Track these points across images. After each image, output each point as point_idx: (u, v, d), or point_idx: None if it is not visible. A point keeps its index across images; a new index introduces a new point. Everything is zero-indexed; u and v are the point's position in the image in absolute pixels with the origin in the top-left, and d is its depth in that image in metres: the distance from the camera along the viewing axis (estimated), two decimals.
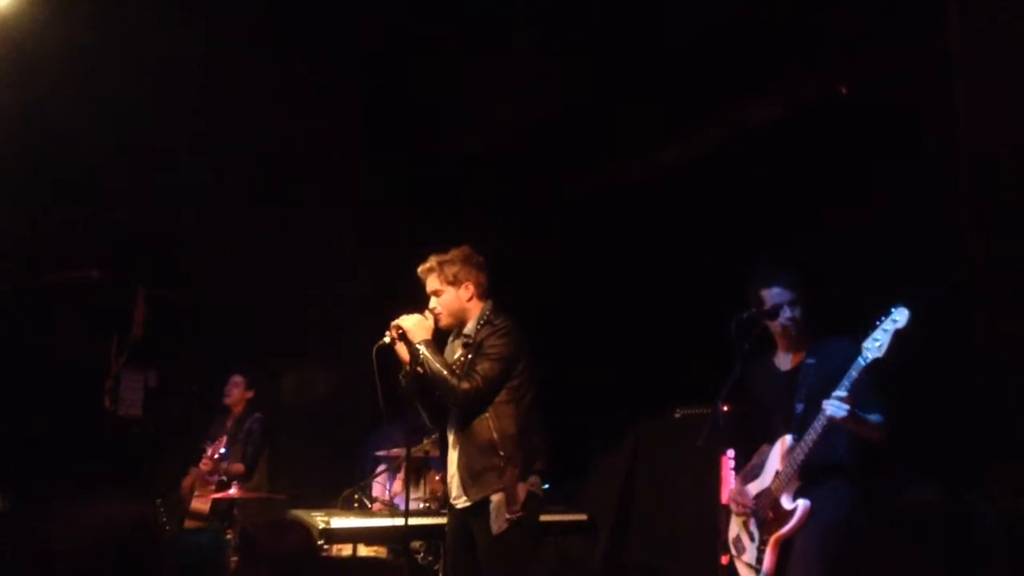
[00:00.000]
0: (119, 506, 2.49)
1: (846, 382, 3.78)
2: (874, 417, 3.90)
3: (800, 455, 3.94)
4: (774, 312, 4.14)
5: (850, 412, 3.76)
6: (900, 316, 3.72)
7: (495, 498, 4.16)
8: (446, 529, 4.53)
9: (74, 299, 7.66)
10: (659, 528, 6.06)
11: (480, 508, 4.21)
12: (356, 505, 6.09)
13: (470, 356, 4.31)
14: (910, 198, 5.16)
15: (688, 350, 5.91)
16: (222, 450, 6.84)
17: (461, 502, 4.31)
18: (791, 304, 4.12)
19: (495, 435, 4.21)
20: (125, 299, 8.04)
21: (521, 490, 4.18)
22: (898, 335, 3.70)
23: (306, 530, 2.89)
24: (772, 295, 4.16)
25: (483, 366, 4.24)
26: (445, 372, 4.25)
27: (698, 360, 5.31)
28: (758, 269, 4.26)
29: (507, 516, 4.12)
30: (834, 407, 3.78)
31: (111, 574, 2.27)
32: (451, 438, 4.40)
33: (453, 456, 4.37)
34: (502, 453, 4.19)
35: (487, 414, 4.24)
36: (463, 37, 6.80)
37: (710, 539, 4.63)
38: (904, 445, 4.02)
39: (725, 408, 4.30)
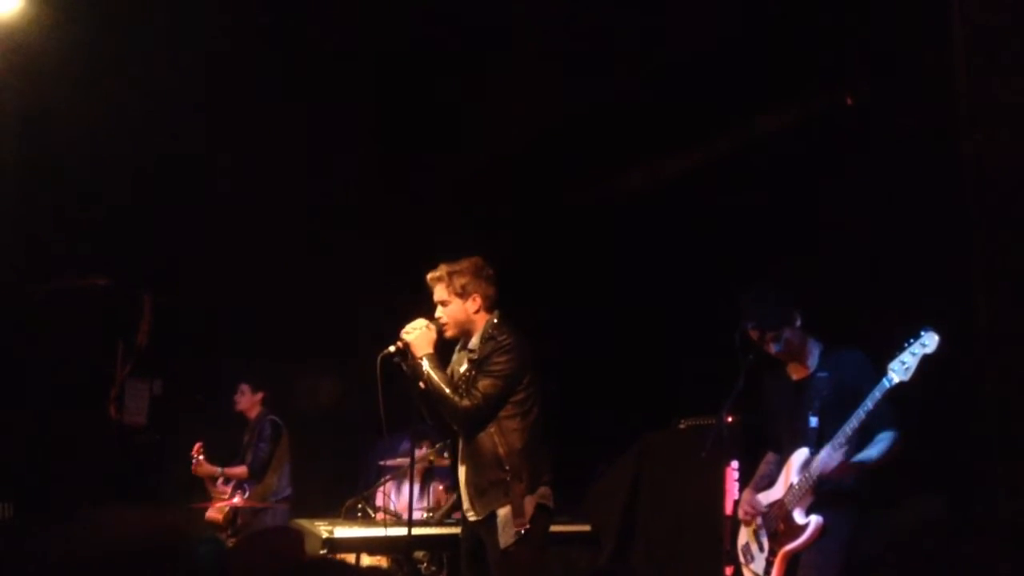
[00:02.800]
0: (147, 515, 2.48)
1: (869, 403, 3.75)
2: (884, 436, 3.88)
3: (817, 470, 3.91)
4: (765, 353, 4.14)
5: (843, 463, 3.83)
6: (930, 341, 3.70)
7: (502, 512, 4.14)
8: (460, 537, 4.53)
9: (80, 306, 7.66)
10: (663, 539, 6.03)
11: (489, 520, 4.20)
12: (359, 515, 6.08)
13: (473, 373, 4.29)
14: (913, 207, 5.14)
15: (692, 361, 5.89)
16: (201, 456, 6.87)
17: (471, 515, 4.30)
18: (773, 340, 4.09)
19: (501, 450, 4.19)
20: (131, 307, 8.04)
21: (529, 504, 4.16)
22: (926, 360, 3.68)
23: (297, 538, 2.87)
24: (754, 334, 4.14)
25: (484, 384, 4.21)
26: (447, 389, 4.23)
27: (702, 371, 5.29)
28: (740, 305, 4.21)
29: (514, 530, 4.11)
30: (825, 458, 3.85)
31: None
32: (459, 451, 4.39)
33: (462, 469, 4.36)
34: (508, 468, 4.17)
35: (492, 429, 4.22)
36: (467, 45, 6.81)
37: (714, 550, 4.61)
38: (907, 457, 4.00)
39: (729, 419, 4.29)
